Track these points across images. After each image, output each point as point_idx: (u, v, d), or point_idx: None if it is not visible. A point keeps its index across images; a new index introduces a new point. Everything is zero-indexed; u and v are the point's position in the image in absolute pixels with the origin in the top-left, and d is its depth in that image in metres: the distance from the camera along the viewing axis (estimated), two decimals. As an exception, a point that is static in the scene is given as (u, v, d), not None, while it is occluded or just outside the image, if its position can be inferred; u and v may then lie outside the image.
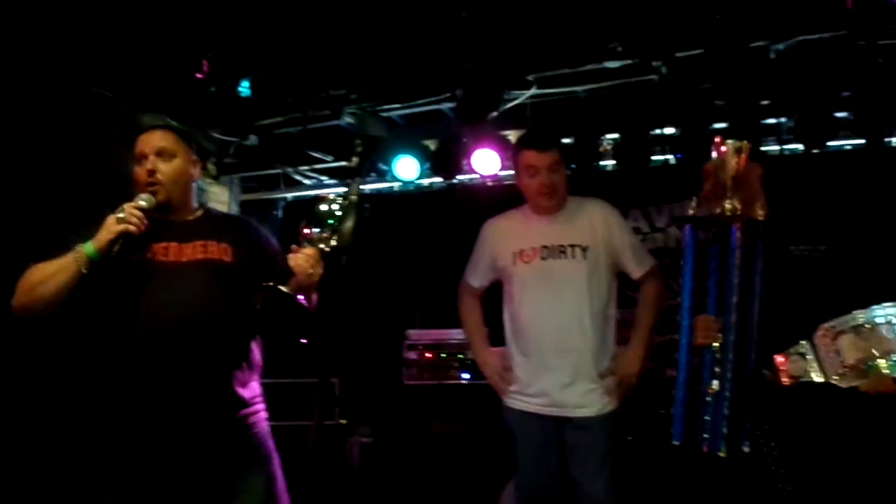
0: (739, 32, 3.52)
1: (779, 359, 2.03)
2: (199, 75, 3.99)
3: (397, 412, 4.67)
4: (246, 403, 2.23)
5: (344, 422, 4.61)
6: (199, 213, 2.36)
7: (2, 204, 3.45)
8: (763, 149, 4.03)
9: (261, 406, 2.30)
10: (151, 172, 2.21)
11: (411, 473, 4.46)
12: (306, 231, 2.08)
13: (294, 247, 2.10)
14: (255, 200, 5.50)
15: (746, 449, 2.03)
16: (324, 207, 2.06)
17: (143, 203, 2.14)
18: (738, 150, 2.08)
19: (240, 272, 2.22)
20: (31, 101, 4.15)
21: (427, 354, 4.68)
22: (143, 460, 2.09)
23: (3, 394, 3.82)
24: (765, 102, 3.91)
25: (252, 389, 2.27)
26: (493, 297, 3.06)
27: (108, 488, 2.11)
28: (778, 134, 4.15)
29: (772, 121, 4.08)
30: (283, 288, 2.05)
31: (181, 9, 3.65)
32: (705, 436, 2.05)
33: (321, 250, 2.06)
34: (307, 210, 2.10)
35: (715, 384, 2.05)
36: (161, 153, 2.23)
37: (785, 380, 2.02)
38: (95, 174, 4.67)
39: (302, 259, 2.06)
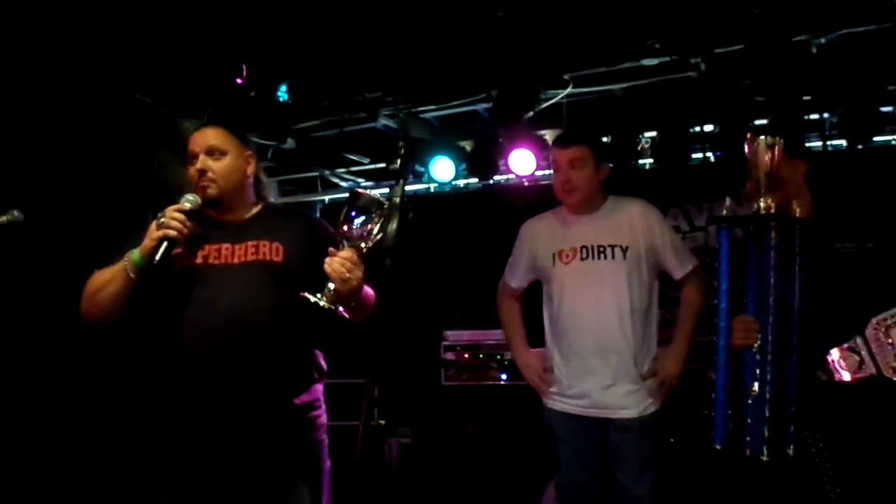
0: (780, 27, 3.46)
1: (832, 356, 1.98)
2: (238, 80, 4.04)
3: (436, 413, 4.68)
4: (300, 410, 2.17)
5: (383, 422, 4.63)
6: (257, 209, 2.30)
7: (47, 209, 3.53)
8: (808, 145, 3.94)
9: (318, 412, 2.23)
10: (202, 172, 2.17)
11: (450, 474, 4.46)
12: (345, 228, 1.98)
13: (331, 249, 2.00)
14: (293, 203, 5.56)
15: (791, 452, 2.00)
16: (361, 203, 1.97)
17: (186, 205, 2.11)
18: (770, 147, 2.03)
19: (292, 271, 2.15)
20: (75, 107, 4.24)
21: (465, 355, 4.68)
22: (194, 467, 2.08)
23: (61, 396, 3.93)
24: (807, 98, 3.84)
25: (312, 394, 2.22)
26: (533, 296, 3.05)
27: (160, 492, 2.12)
28: (821, 130, 4.06)
29: (815, 116, 4.00)
30: (319, 300, 1.95)
31: (220, 15, 3.70)
32: (747, 439, 2.01)
33: (360, 249, 1.97)
34: (344, 207, 2.00)
35: (756, 387, 2.01)
36: (211, 151, 2.19)
37: (840, 377, 1.97)
38: (137, 179, 4.78)
39: (337, 263, 1.96)
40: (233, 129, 2.27)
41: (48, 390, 3.89)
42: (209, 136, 2.22)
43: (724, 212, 2.11)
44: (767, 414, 1.97)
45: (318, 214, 5.65)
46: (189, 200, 2.13)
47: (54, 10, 3.54)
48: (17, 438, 3.71)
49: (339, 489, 2.33)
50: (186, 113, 4.94)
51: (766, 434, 1.97)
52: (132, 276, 2.06)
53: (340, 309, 1.99)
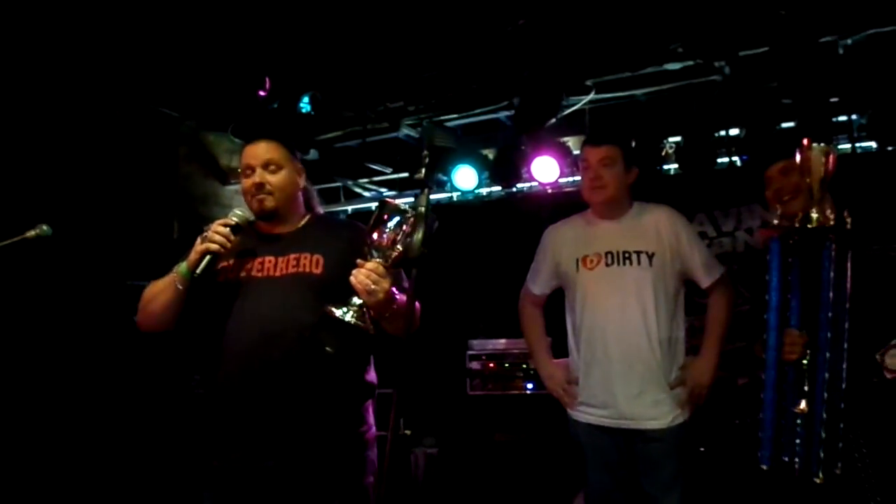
0: (806, 27, 3.42)
1: (882, 356, 1.93)
2: (261, 93, 4.07)
3: (461, 423, 4.66)
4: (347, 425, 2.14)
5: (408, 432, 4.62)
6: (304, 220, 2.30)
7: (74, 222, 3.57)
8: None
9: (365, 427, 2.19)
10: (260, 185, 2.19)
11: (476, 485, 4.43)
12: (374, 237, 1.96)
13: (359, 261, 1.97)
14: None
15: (839, 470, 1.93)
16: (390, 211, 1.95)
17: (233, 219, 2.13)
18: (825, 154, 1.96)
19: (331, 283, 2.10)
20: (101, 122, 4.31)
21: (490, 364, 4.66)
22: (235, 477, 2.08)
23: (95, 406, 3.98)
24: (835, 99, 3.78)
25: (357, 409, 2.18)
26: (556, 303, 3.01)
27: (204, 501, 2.13)
28: (850, 132, 4.00)
29: (843, 118, 3.93)
30: (344, 316, 1.92)
31: (243, 29, 3.74)
32: (796, 460, 1.95)
33: (387, 258, 1.95)
34: (372, 216, 1.98)
35: (803, 404, 1.96)
36: (268, 165, 2.22)
37: (888, 374, 1.92)
38: (162, 191, 4.84)
39: (362, 275, 1.93)
40: (285, 142, 2.30)
41: (75, 399, 3.93)
42: (266, 150, 2.24)
43: (776, 221, 2.05)
44: (823, 435, 1.91)
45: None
46: (237, 215, 2.15)
47: (81, 26, 3.60)
48: (50, 446, 3.76)
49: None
50: (211, 126, 5.00)
51: (822, 456, 1.91)
52: (180, 287, 2.09)
53: (371, 324, 1.95)
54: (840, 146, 3.96)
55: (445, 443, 4.66)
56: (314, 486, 2.08)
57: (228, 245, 2.09)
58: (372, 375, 2.26)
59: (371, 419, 2.23)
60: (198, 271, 2.05)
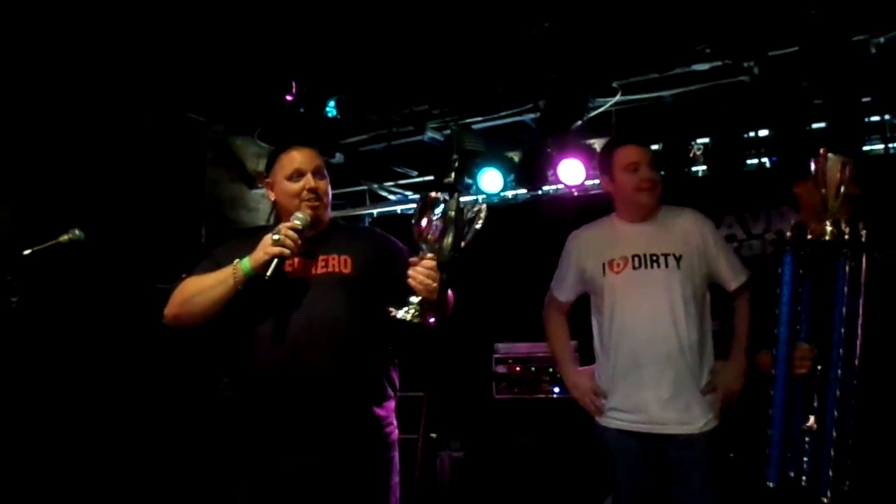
0: (837, 27, 3.36)
1: None
2: (288, 97, 4.09)
3: (488, 427, 4.64)
4: (376, 424, 2.18)
5: (434, 436, 4.62)
6: (324, 226, 2.35)
7: (105, 226, 3.63)
8: (867, 148, 3.82)
9: (391, 429, 2.24)
10: (313, 190, 2.24)
11: (503, 489, 4.41)
12: (423, 227, 1.97)
13: (412, 259, 2.02)
14: (342, 217, 5.60)
15: (846, 487, 1.89)
16: (435, 204, 1.95)
17: (297, 223, 2.16)
18: (842, 164, 1.91)
19: (362, 282, 2.20)
20: (130, 128, 4.37)
21: (517, 368, 4.64)
22: (268, 477, 2.11)
23: (127, 406, 4.02)
24: (867, 99, 3.72)
25: (385, 409, 2.22)
26: (581, 308, 2.98)
27: (235, 500, 2.15)
28: (883, 132, 3.93)
29: (875, 118, 3.87)
30: (406, 315, 1.94)
31: (269, 34, 3.76)
32: (803, 477, 1.92)
33: (435, 251, 1.97)
34: (417, 209, 1.98)
35: (812, 421, 1.92)
36: (318, 171, 2.27)
37: None
38: (190, 195, 4.89)
39: (422, 275, 1.97)
40: (322, 151, 2.37)
41: (109, 402, 3.98)
42: (316, 157, 2.30)
43: (789, 234, 1.98)
44: (833, 454, 1.87)
45: (366, 228, 5.71)
46: (299, 218, 2.17)
47: (111, 32, 3.64)
48: (75, 446, 3.80)
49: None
50: (238, 130, 5.05)
51: (831, 475, 1.86)
52: (240, 287, 2.11)
53: (431, 320, 1.97)
54: (873, 147, 3.89)
55: (471, 446, 4.65)
56: (348, 485, 2.11)
57: (296, 250, 2.12)
58: (396, 377, 2.30)
59: (395, 420, 2.27)
60: (269, 273, 2.06)
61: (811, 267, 1.95)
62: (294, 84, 4.10)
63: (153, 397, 4.14)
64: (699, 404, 2.63)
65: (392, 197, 5.55)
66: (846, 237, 1.90)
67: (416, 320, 1.96)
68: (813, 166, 1.96)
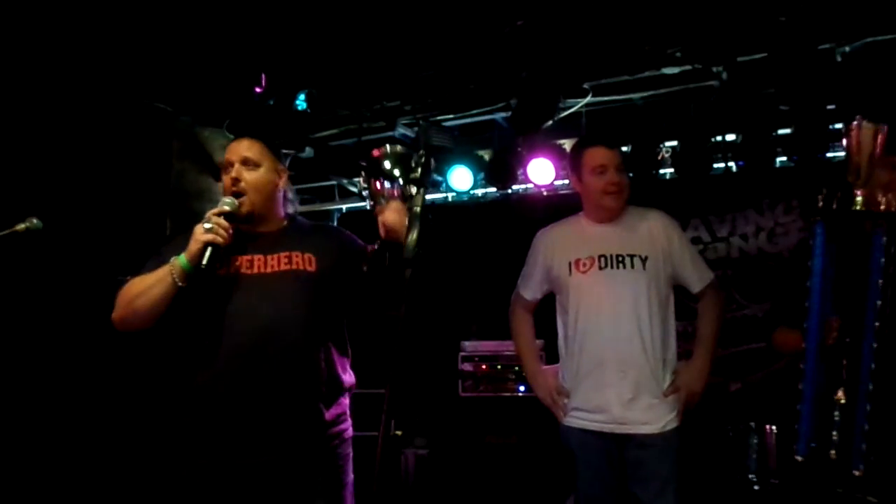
0: (804, 35, 3.41)
1: None
2: (257, 89, 4.05)
3: (453, 424, 4.64)
4: (330, 422, 2.17)
5: (399, 433, 4.60)
6: (286, 223, 2.32)
7: (65, 216, 3.55)
8: (830, 154, 3.88)
9: (346, 425, 2.24)
10: (235, 181, 2.20)
11: (467, 487, 4.42)
12: (378, 186, 2.03)
13: (378, 207, 2.07)
14: (311, 212, 5.56)
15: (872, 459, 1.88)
16: (386, 154, 2.03)
17: (226, 207, 2.12)
18: (875, 133, 1.89)
19: (324, 280, 2.18)
20: (94, 115, 4.27)
21: (483, 366, 4.65)
22: (221, 475, 2.08)
23: (79, 403, 3.94)
24: (831, 107, 3.77)
25: (340, 406, 2.22)
26: (546, 307, 2.98)
27: (186, 500, 2.12)
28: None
29: (839, 126, 3.93)
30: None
31: (239, 25, 3.71)
32: (832, 451, 1.91)
33: (403, 197, 2.03)
34: (368, 162, 2.06)
35: (840, 393, 1.90)
36: (246, 162, 2.22)
37: None
38: (155, 187, 4.81)
39: (395, 215, 2.04)
40: (269, 143, 2.30)
41: (65, 397, 3.90)
42: (245, 147, 2.25)
43: (821, 204, 1.95)
44: (866, 427, 1.85)
45: (335, 223, 5.66)
46: (227, 203, 2.14)
47: (74, 20, 3.57)
48: (32, 445, 3.72)
49: (355, 500, 2.31)
50: (205, 121, 4.98)
51: (864, 448, 1.85)
52: (180, 283, 2.05)
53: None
54: (836, 153, 3.95)
55: (436, 444, 4.64)
56: (301, 483, 2.09)
57: (228, 237, 2.07)
58: (350, 374, 2.28)
59: (349, 418, 2.26)
60: (204, 263, 2.01)
61: (840, 239, 1.92)
62: (264, 76, 4.05)
63: (111, 392, 4.06)
64: (661, 404, 2.65)
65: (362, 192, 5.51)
66: (882, 207, 1.86)
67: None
68: (845, 141, 1.93)
